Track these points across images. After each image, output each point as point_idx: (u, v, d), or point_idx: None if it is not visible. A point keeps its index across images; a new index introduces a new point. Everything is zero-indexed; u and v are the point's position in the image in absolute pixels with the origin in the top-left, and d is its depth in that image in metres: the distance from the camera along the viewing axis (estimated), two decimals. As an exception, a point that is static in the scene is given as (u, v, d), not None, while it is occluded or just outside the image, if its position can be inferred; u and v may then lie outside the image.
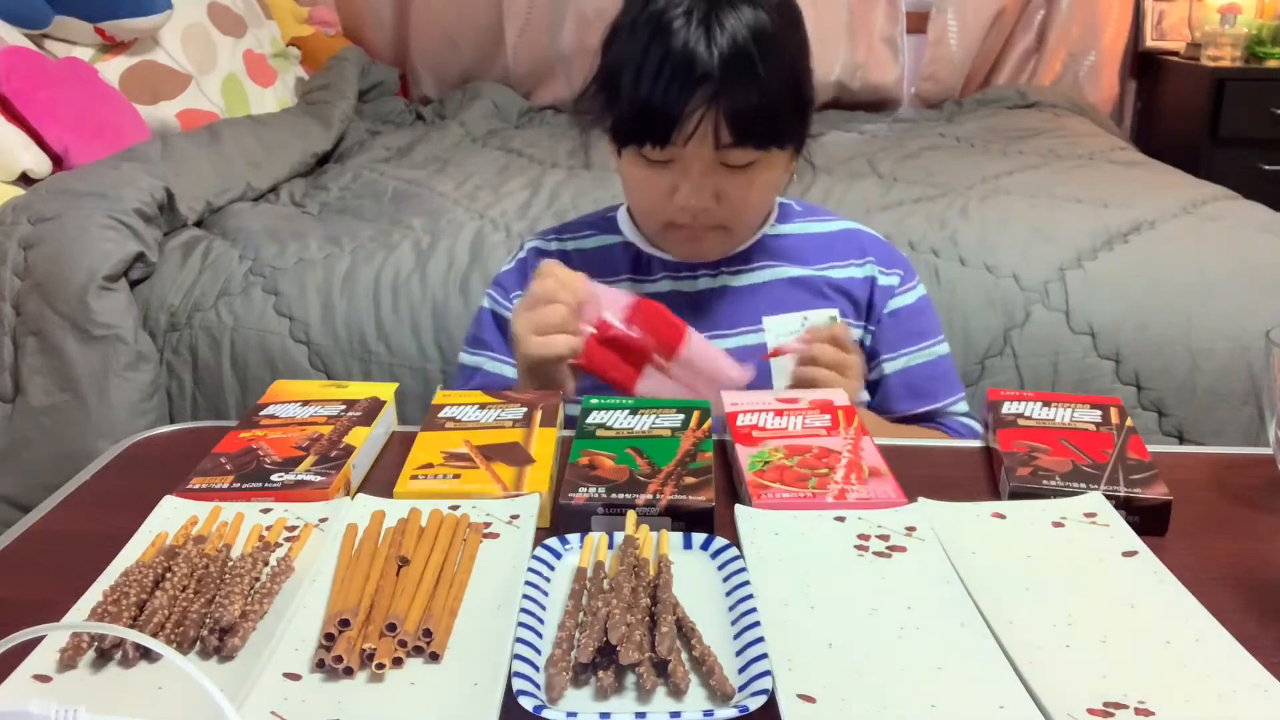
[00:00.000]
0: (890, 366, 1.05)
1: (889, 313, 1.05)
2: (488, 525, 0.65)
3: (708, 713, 0.48)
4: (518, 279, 1.07)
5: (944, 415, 1.05)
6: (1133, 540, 0.64)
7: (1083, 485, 0.69)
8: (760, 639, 0.52)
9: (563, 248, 1.08)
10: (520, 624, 0.54)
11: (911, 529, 0.65)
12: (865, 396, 1.03)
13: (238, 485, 0.70)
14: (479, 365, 1.05)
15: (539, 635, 0.54)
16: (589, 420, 0.78)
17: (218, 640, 0.53)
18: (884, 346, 1.05)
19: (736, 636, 0.54)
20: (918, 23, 3.06)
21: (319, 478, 0.70)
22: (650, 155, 0.94)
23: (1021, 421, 0.78)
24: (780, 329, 1.01)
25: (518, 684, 0.49)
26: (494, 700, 0.49)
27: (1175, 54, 3.14)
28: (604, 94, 0.97)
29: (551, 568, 0.61)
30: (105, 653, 0.53)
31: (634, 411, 0.79)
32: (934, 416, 1.05)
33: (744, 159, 0.93)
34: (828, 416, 0.79)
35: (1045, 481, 0.70)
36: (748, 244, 1.05)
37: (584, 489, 0.68)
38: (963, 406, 1.06)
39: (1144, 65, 3.23)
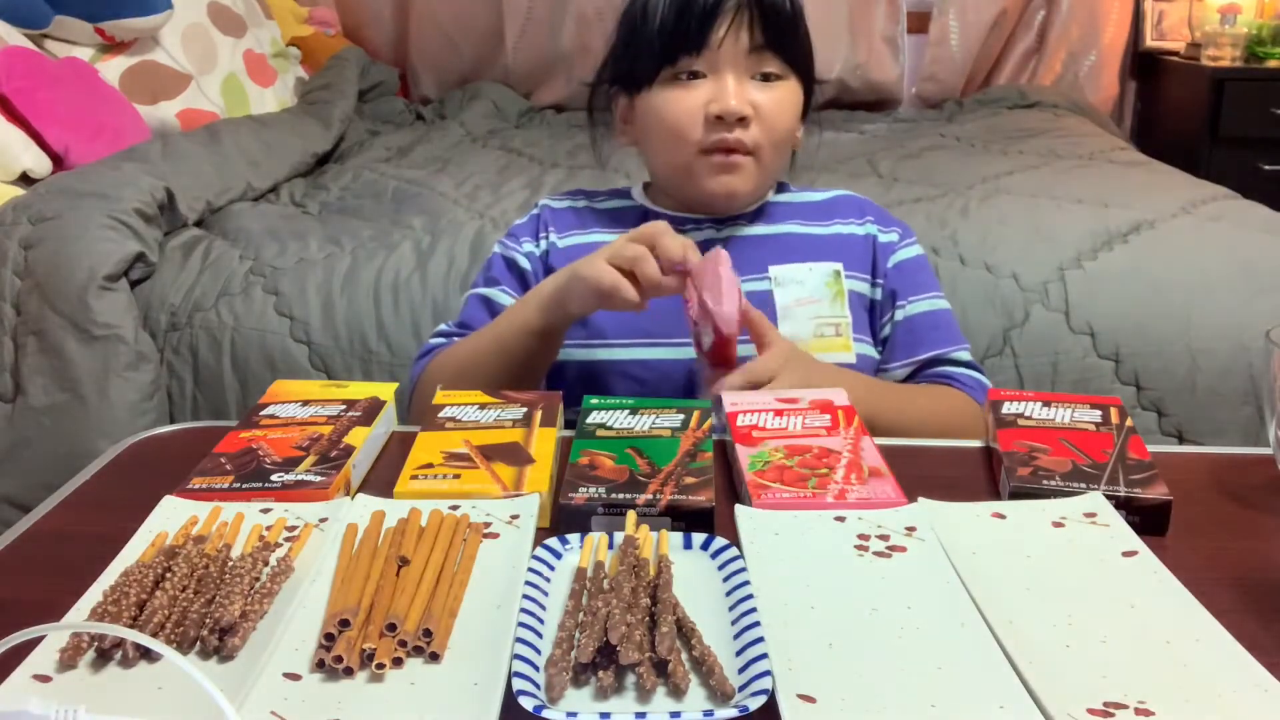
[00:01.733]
0: (898, 315, 1.07)
1: (893, 266, 1.08)
2: (488, 525, 0.65)
3: (708, 713, 0.48)
4: (531, 230, 1.11)
5: (945, 362, 1.06)
6: (1133, 540, 0.64)
7: (1083, 485, 0.69)
8: (760, 639, 0.52)
9: (574, 205, 1.12)
10: (520, 624, 0.54)
11: (911, 529, 0.65)
12: (850, 357, 1.03)
13: (238, 485, 0.70)
14: (492, 296, 1.07)
15: (539, 635, 0.54)
16: (589, 420, 0.78)
17: (218, 640, 0.53)
18: (893, 299, 1.07)
19: (736, 636, 0.54)
20: (919, 23, 3.07)
21: (319, 478, 0.71)
22: (684, 68, 0.99)
23: (1021, 421, 0.78)
24: (787, 277, 1.03)
25: (518, 684, 0.49)
26: (494, 700, 0.49)
27: (1175, 54, 3.14)
28: (630, 42, 1.03)
29: (551, 568, 0.61)
30: (105, 653, 0.53)
31: (634, 411, 0.79)
32: (936, 363, 1.06)
33: (773, 67, 0.99)
34: (828, 416, 0.79)
35: (1045, 481, 0.70)
36: (753, 206, 1.08)
37: (584, 489, 0.68)
38: (965, 355, 1.07)
39: (1144, 65, 3.23)
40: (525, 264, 1.08)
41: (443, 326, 1.09)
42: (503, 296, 1.06)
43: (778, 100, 1.00)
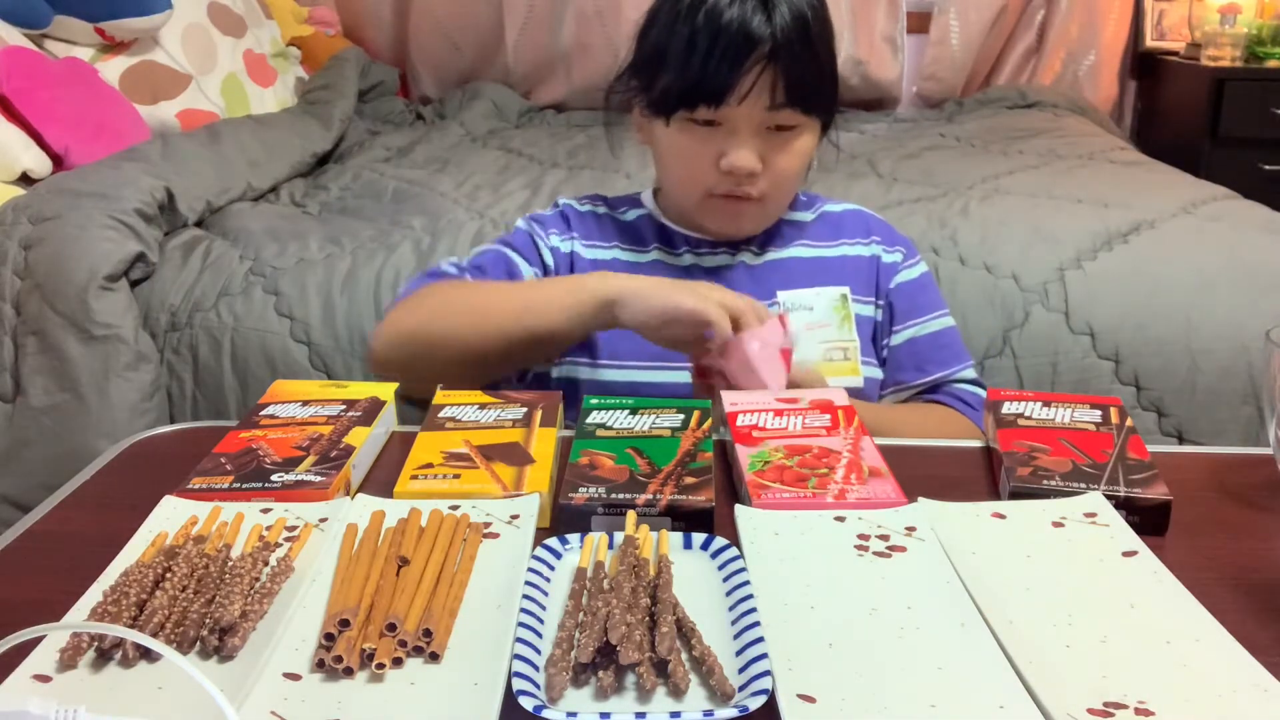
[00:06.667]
0: (897, 339, 1.07)
1: (894, 287, 1.09)
2: (488, 525, 0.65)
3: (708, 713, 0.48)
4: (559, 225, 1.10)
5: (951, 383, 1.07)
6: (1133, 540, 0.64)
7: (1083, 485, 0.69)
8: (760, 639, 0.52)
9: (595, 211, 1.12)
10: (520, 624, 0.54)
11: (911, 529, 0.65)
12: (858, 381, 1.03)
13: (238, 485, 0.70)
14: (517, 262, 1.05)
15: (539, 635, 0.54)
16: (589, 420, 0.78)
17: (218, 640, 0.53)
18: (892, 320, 1.08)
19: (736, 636, 0.54)
20: (920, 23, 3.07)
21: (319, 478, 0.71)
22: (700, 117, 0.97)
23: (1021, 421, 0.78)
24: (795, 302, 1.04)
25: (518, 684, 0.49)
26: (494, 700, 0.49)
27: (1175, 54, 3.13)
28: (649, 68, 1.01)
29: (551, 568, 0.61)
30: (105, 653, 0.53)
31: (634, 411, 0.79)
32: (941, 385, 1.07)
33: (791, 120, 0.98)
34: (828, 416, 0.79)
35: (1045, 481, 0.70)
36: (768, 227, 1.09)
37: (584, 489, 0.68)
38: (970, 374, 1.07)
39: (1144, 65, 3.22)
40: (549, 257, 1.08)
41: (453, 259, 1.07)
42: (525, 268, 1.06)
43: (791, 151, 0.99)
